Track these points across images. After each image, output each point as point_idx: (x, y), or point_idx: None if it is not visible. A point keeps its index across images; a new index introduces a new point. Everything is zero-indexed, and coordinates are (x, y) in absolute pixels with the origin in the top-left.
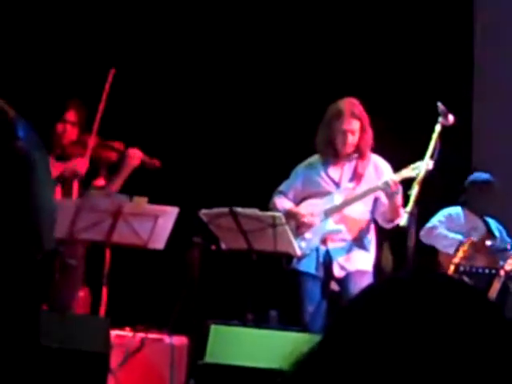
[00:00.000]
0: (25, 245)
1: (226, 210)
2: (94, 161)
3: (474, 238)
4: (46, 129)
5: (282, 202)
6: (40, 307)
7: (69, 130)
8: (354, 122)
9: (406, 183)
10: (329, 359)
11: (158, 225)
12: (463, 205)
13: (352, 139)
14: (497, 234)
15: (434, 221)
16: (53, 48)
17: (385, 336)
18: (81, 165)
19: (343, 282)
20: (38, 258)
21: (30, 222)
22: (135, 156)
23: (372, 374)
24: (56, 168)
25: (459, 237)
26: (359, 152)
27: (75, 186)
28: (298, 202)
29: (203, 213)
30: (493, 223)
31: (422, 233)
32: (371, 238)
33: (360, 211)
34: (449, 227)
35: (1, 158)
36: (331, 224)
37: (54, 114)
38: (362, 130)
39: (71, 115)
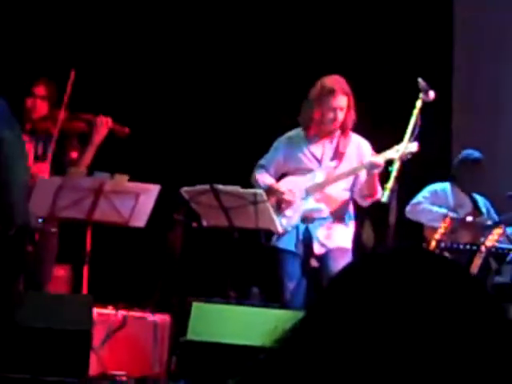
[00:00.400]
0: None
1: (207, 187)
2: (65, 133)
3: (454, 215)
4: (15, 103)
5: (264, 177)
6: (14, 283)
7: (38, 105)
8: (344, 99)
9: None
10: (311, 336)
11: (139, 203)
12: (452, 181)
13: (341, 116)
14: (484, 210)
15: (419, 197)
16: (23, 25)
17: (366, 312)
18: (40, 171)
19: (323, 258)
20: (11, 233)
21: None
22: (104, 123)
23: (354, 350)
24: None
25: (444, 210)
26: (342, 129)
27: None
28: (278, 177)
29: (184, 190)
30: (481, 200)
31: (408, 209)
32: (351, 215)
33: (340, 190)
34: (433, 202)
35: None
36: (312, 202)
37: (23, 89)
38: (349, 107)
39: (40, 89)
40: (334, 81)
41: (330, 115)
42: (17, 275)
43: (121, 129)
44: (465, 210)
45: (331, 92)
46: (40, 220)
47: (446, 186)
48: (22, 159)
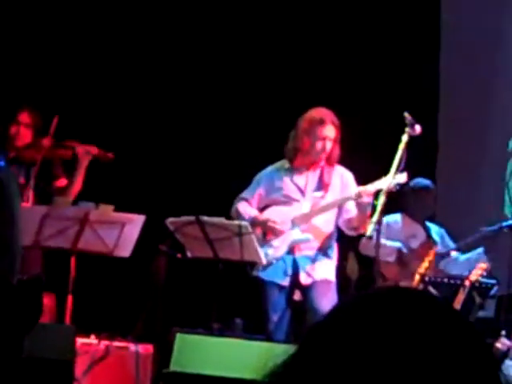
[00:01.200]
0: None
1: (192, 218)
2: (49, 161)
3: (438, 248)
4: None
5: (246, 209)
6: (23, 337)
7: (22, 132)
8: (333, 130)
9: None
10: (303, 372)
11: (124, 233)
12: (403, 212)
13: (329, 146)
14: (437, 239)
15: (370, 231)
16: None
17: (356, 351)
18: (31, 154)
19: (307, 290)
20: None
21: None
22: (88, 150)
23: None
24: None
25: (397, 244)
26: (329, 161)
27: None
28: (261, 209)
29: (170, 221)
30: (434, 228)
31: (361, 245)
32: (334, 247)
33: (326, 220)
34: (387, 236)
35: None
36: (298, 233)
37: (7, 117)
38: (336, 139)
39: (24, 117)
40: (324, 111)
41: (319, 145)
42: (25, 329)
43: (105, 154)
44: (418, 240)
45: (321, 122)
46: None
47: (398, 217)
48: (20, 197)
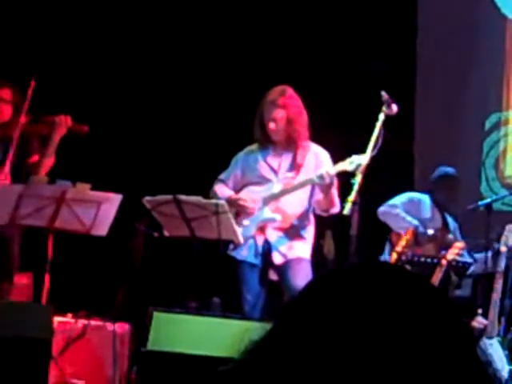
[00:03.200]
0: None
1: (169, 197)
2: (26, 137)
3: (422, 229)
4: None
5: (222, 190)
6: None
7: (3, 109)
8: (276, 111)
9: (350, 172)
10: (279, 348)
11: (101, 211)
12: (430, 195)
13: (274, 127)
14: (451, 229)
15: (396, 200)
16: None
17: (331, 325)
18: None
19: (282, 269)
20: None
21: None
22: (63, 122)
23: (320, 361)
24: None
25: (416, 222)
26: (292, 141)
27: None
28: (238, 190)
29: (147, 200)
30: (450, 221)
31: (382, 209)
32: (309, 227)
33: (296, 201)
34: (407, 210)
35: None
36: (267, 212)
37: None
38: (289, 119)
39: (6, 93)
40: (272, 92)
41: (267, 125)
42: None
43: (80, 127)
44: (435, 226)
45: (263, 104)
46: None
47: (426, 198)
48: None
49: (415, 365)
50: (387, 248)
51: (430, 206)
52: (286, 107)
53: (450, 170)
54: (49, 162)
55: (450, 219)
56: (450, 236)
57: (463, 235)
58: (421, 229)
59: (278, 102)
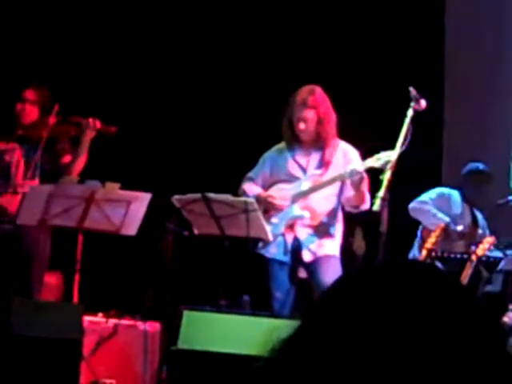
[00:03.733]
0: None
1: (198, 195)
2: (56, 139)
3: (454, 227)
4: (8, 110)
5: (251, 188)
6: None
7: (28, 109)
8: (306, 111)
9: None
10: (308, 346)
11: (130, 211)
12: (460, 190)
13: (304, 127)
14: (480, 225)
15: (426, 197)
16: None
17: (361, 323)
18: (39, 132)
19: (312, 267)
20: None
21: None
22: (92, 124)
23: (351, 359)
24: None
25: (447, 218)
26: (322, 140)
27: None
28: (266, 188)
29: (176, 198)
30: (479, 216)
31: (412, 206)
32: (338, 225)
33: (325, 198)
34: (438, 206)
35: None
36: (297, 210)
37: (14, 95)
38: (319, 119)
39: (30, 94)
40: (301, 92)
41: (296, 125)
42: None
43: (108, 128)
44: (465, 222)
45: (292, 104)
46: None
47: (456, 193)
48: None
49: (445, 363)
50: (417, 244)
51: (460, 202)
52: (315, 107)
53: (480, 165)
54: (81, 162)
55: (479, 215)
56: (480, 232)
57: (492, 231)
58: (452, 225)
59: (308, 101)
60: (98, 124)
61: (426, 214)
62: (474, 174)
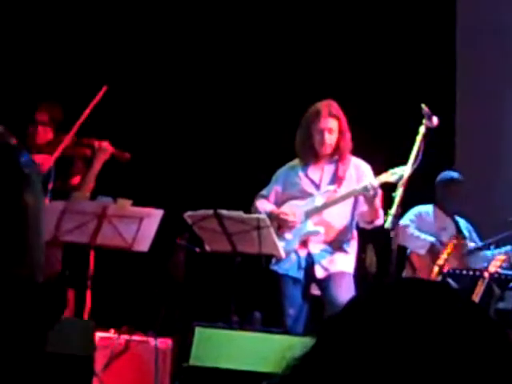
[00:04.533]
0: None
1: (210, 212)
2: (69, 159)
3: (455, 240)
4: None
5: (263, 205)
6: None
7: (40, 131)
8: (331, 121)
9: (391, 185)
10: (322, 365)
11: (142, 227)
12: (435, 203)
13: (329, 138)
14: (466, 233)
15: (406, 220)
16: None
17: (374, 343)
18: (44, 161)
19: (325, 283)
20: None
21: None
22: (104, 148)
23: (364, 378)
24: None
25: (431, 238)
26: (339, 153)
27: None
28: (279, 205)
29: (188, 215)
30: (462, 223)
31: (395, 234)
32: (352, 241)
33: (339, 214)
34: (419, 226)
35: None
36: (310, 225)
37: (26, 116)
38: (340, 130)
39: (41, 116)
40: (321, 103)
41: (317, 137)
42: (50, 324)
43: (121, 154)
44: (448, 233)
45: (317, 114)
46: None
47: (429, 208)
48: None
49: (459, 381)
50: (407, 270)
51: (437, 215)
52: (338, 118)
53: (455, 174)
54: (88, 186)
55: (462, 222)
56: (466, 242)
57: (479, 234)
58: (437, 244)
59: (332, 111)
60: (111, 148)
61: (409, 238)
62: (451, 183)
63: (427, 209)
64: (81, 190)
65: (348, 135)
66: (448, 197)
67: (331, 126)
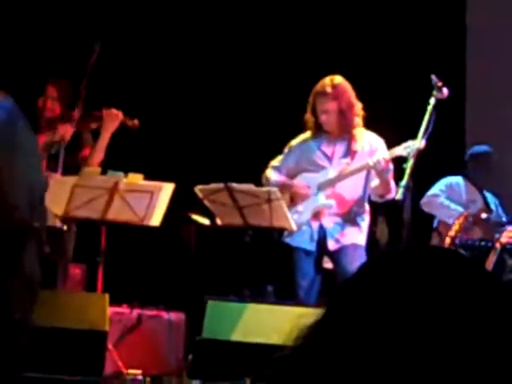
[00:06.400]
0: None
1: (221, 185)
2: (77, 132)
3: (470, 212)
4: (30, 106)
5: (275, 176)
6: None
7: (49, 105)
8: (327, 103)
9: (402, 158)
10: (333, 333)
11: (153, 201)
12: (464, 176)
13: (327, 119)
14: (493, 207)
15: (436, 189)
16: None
17: (385, 308)
18: (64, 130)
19: (337, 255)
20: (9, 228)
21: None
22: (114, 116)
23: (375, 345)
24: (40, 139)
25: (460, 209)
26: (344, 130)
27: (61, 157)
28: (291, 177)
29: (199, 188)
30: (490, 197)
31: (424, 200)
32: (364, 214)
33: (351, 187)
34: (449, 196)
35: None
36: (322, 198)
37: (38, 91)
38: (340, 110)
39: (51, 90)
40: (323, 83)
41: (321, 117)
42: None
43: (131, 121)
44: (477, 206)
45: (316, 95)
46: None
47: (460, 180)
48: (37, 156)
49: (471, 348)
50: (434, 239)
51: (467, 187)
52: (337, 98)
53: (484, 147)
54: (98, 157)
55: (489, 197)
56: (493, 216)
57: (506, 211)
58: (467, 214)
59: (330, 93)
60: (121, 115)
61: (439, 207)
62: (480, 156)
63: (458, 180)
64: (90, 160)
65: (352, 112)
66: (478, 171)
67: (327, 107)
